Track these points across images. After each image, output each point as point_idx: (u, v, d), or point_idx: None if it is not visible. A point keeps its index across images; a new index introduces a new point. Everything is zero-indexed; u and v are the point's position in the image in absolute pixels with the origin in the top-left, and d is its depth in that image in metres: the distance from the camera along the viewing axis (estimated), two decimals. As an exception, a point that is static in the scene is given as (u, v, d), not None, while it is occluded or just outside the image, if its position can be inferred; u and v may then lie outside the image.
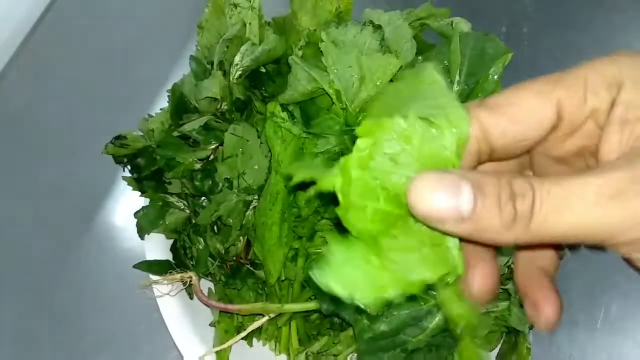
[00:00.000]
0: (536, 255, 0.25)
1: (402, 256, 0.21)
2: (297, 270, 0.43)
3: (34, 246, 0.57)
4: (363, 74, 0.40)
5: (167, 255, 0.47)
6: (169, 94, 0.46)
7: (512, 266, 0.42)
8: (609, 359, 0.52)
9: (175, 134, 0.44)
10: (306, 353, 0.44)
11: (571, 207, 0.19)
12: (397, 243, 0.21)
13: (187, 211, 0.46)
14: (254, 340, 0.47)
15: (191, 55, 0.46)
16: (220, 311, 0.45)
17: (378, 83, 0.40)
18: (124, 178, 0.47)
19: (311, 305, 0.43)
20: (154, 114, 0.47)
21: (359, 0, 0.48)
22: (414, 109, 0.21)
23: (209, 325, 0.46)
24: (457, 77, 0.41)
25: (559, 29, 0.68)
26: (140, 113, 0.48)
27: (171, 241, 0.47)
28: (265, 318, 0.44)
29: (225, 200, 0.43)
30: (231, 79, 0.44)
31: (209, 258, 0.45)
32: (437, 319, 0.38)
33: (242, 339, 0.45)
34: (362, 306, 0.21)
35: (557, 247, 0.26)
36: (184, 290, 0.46)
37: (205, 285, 0.47)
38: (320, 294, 0.41)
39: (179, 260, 0.46)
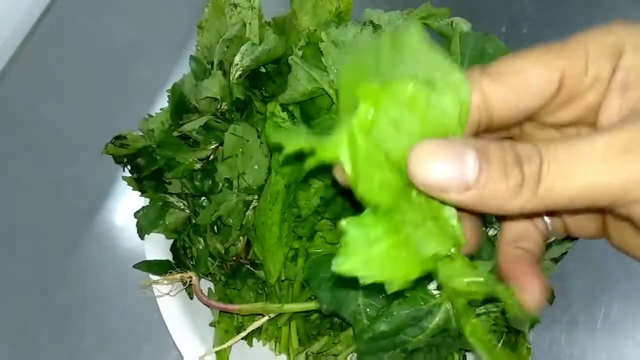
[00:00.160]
0: (521, 237, 0.25)
1: (414, 231, 0.20)
2: (297, 270, 0.43)
3: (34, 246, 0.57)
4: (363, 74, 0.40)
5: (167, 255, 0.47)
6: (169, 94, 0.46)
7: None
8: (609, 359, 0.52)
9: (175, 134, 0.44)
10: (306, 353, 0.44)
11: (580, 167, 0.18)
12: (406, 217, 0.20)
13: (187, 211, 0.46)
14: (254, 340, 0.47)
15: (191, 55, 0.46)
16: (220, 311, 0.45)
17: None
18: (124, 178, 0.47)
19: (311, 305, 0.43)
20: (154, 114, 0.47)
21: (359, 0, 0.48)
22: (404, 73, 0.20)
23: (209, 325, 0.46)
24: (457, 77, 0.41)
25: (558, 29, 0.68)
26: (140, 113, 0.48)
27: (171, 241, 0.47)
28: (265, 318, 0.44)
29: (225, 200, 0.43)
30: (231, 79, 0.44)
31: (209, 258, 0.45)
32: (437, 319, 0.38)
33: (242, 339, 0.45)
34: (386, 287, 0.20)
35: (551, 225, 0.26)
36: (184, 290, 0.46)
37: (205, 285, 0.47)
38: (319, 294, 0.41)
39: (179, 260, 0.46)
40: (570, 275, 0.55)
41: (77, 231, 0.58)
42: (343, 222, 0.20)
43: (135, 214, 0.46)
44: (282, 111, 0.42)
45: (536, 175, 0.18)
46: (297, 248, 0.43)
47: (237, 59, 0.44)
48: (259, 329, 0.45)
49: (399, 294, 0.37)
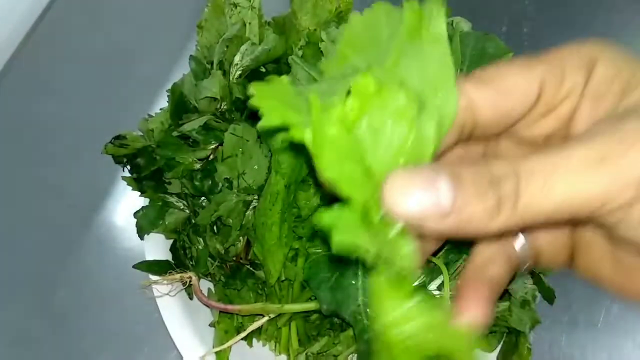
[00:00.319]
0: (489, 262, 0.25)
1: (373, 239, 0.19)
2: (297, 270, 0.43)
3: (34, 246, 0.57)
4: (363, 73, 0.40)
5: (167, 256, 0.47)
6: (168, 93, 0.46)
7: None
8: (610, 359, 0.52)
9: (175, 133, 0.44)
10: (306, 353, 0.44)
11: (558, 180, 0.18)
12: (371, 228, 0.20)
13: (187, 211, 0.46)
14: (254, 340, 0.47)
15: (191, 55, 0.46)
16: (220, 311, 0.45)
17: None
18: (124, 178, 0.47)
19: (311, 305, 0.43)
20: (153, 114, 0.47)
21: (358, 1, 0.48)
22: (405, 69, 0.20)
23: (209, 325, 0.46)
24: (458, 77, 0.41)
25: (559, 28, 0.68)
26: (140, 113, 0.48)
27: (171, 241, 0.47)
28: (265, 318, 0.44)
29: (225, 200, 0.43)
30: (231, 79, 0.44)
31: (209, 258, 0.45)
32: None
33: (242, 339, 0.45)
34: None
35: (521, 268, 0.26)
36: (184, 291, 0.46)
37: (205, 285, 0.47)
38: (320, 294, 0.41)
39: (179, 261, 0.46)
40: (571, 276, 0.55)
41: (77, 231, 0.58)
42: (315, 216, 0.19)
43: (135, 214, 0.46)
44: (282, 111, 0.42)
45: (514, 193, 0.18)
46: (297, 248, 0.43)
47: (237, 58, 0.44)
48: (259, 329, 0.45)
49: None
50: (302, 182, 0.41)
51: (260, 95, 0.19)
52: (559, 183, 0.18)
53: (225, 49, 0.45)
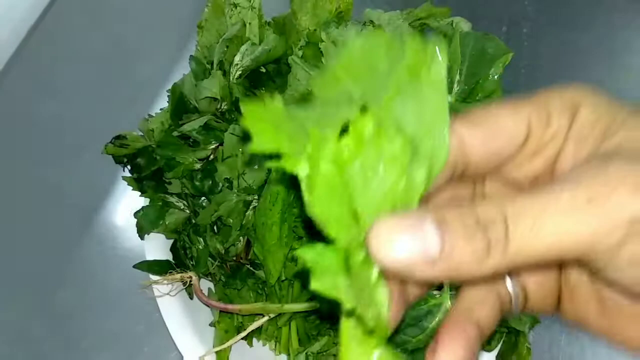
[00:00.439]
0: (478, 303, 0.24)
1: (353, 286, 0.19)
2: (298, 270, 0.43)
3: (34, 246, 0.57)
4: (363, 74, 0.40)
5: (167, 255, 0.47)
6: (168, 94, 0.46)
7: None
8: (609, 358, 0.52)
9: (175, 134, 0.44)
10: (306, 353, 0.44)
11: (547, 221, 0.18)
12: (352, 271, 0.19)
13: (187, 211, 0.46)
14: (254, 340, 0.47)
15: (191, 55, 0.46)
16: (220, 311, 0.45)
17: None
18: (124, 178, 0.47)
19: (311, 305, 0.43)
20: (153, 114, 0.47)
21: (358, 1, 0.48)
22: (401, 111, 0.20)
23: (209, 325, 0.46)
24: (457, 77, 0.41)
25: (559, 29, 0.68)
26: (140, 113, 0.48)
27: (171, 241, 0.47)
28: (265, 318, 0.44)
29: (225, 200, 0.43)
30: (231, 79, 0.45)
31: (209, 258, 0.45)
32: (437, 318, 0.38)
33: (242, 339, 0.45)
34: None
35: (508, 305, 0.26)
36: (184, 290, 0.46)
37: (205, 285, 0.47)
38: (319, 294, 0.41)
39: (179, 260, 0.46)
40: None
41: (77, 231, 0.58)
42: (298, 251, 0.19)
43: (135, 214, 0.46)
44: (282, 111, 0.42)
45: (503, 236, 0.18)
46: (298, 248, 0.43)
47: (237, 58, 0.45)
48: (259, 329, 0.45)
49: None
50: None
51: (250, 116, 0.19)
52: (548, 225, 0.18)
53: (226, 49, 0.45)
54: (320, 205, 0.19)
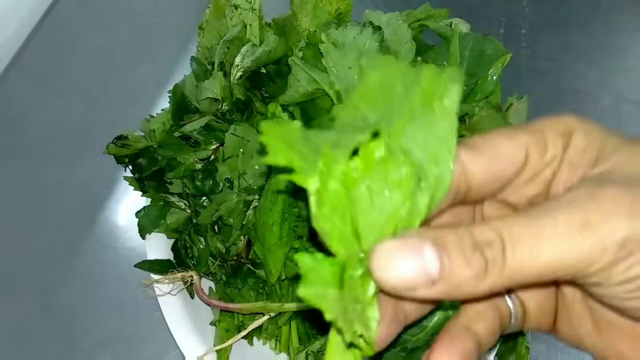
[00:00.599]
0: (478, 317, 0.25)
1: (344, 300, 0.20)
2: (298, 269, 0.43)
3: (36, 246, 0.58)
4: (363, 75, 0.40)
5: (168, 255, 0.47)
6: (170, 94, 0.46)
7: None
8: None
9: (176, 134, 0.45)
10: (306, 352, 0.44)
11: (544, 243, 0.19)
12: (346, 286, 0.20)
13: (188, 211, 0.46)
14: (255, 339, 0.47)
15: (192, 56, 0.46)
16: (221, 310, 0.45)
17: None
18: (126, 178, 0.47)
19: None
20: (155, 115, 0.47)
21: (358, 2, 0.49)
22: (411, 137, 0.21)
23: (210, 324, 0.46)
24: (456, 78, 0.42)
25: (557, 29, 0.68)
26: (142, 113, 0.48)
27: (172, 241, 0.47)
28: (266, 317, 0.44)
29: (226, 200, 0.43)
30: (232, 80, 0.45)
31: (210, 257, 0.45)
32: (436, 317, 0.38)
33: (242, 337, 0.45)
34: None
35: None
36: (185, 290, 0.46)
37: (206, 284, 0.47)
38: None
39: (180, 260, 0.46)
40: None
41: (79, 231, 0.58)
42: (297, 255, 0.20)
43: (137, 214, 0.46)
44: (283, 112, 0.42)
45: (500, 257, 0.19)
46: (298, 248, 0.43)
47: (237, 59, 0.45)
48: (260, 328, 0.45)
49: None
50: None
51: (268, 133, 0.20)
52: (545, 247, 0.19)
53: (226, 50, 0.45)
54: (325, 220, 0.20)
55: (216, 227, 0.45)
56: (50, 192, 0.60)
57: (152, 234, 0.47)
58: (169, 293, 0.45)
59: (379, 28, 0.42)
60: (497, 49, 0.42)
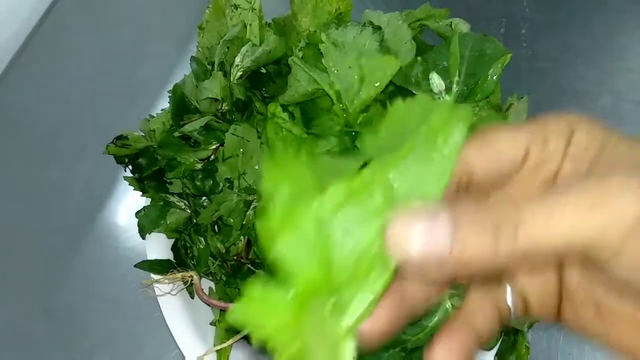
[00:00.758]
0: (478, 310, 0.26)
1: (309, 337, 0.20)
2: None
3: (35, 246, 0.58)
4: (363, 75, 0.40)
5: (168, 255, 0.47)
6: (169, 94, 0.46)
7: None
8: (608, 357, 0.52)
9: (176, 134, 0.45)
10: (306, 352, 0.44)
11: (558, 217, 0.20)
12: (309, 320, 0.20)
13: (188, 211, 0.46)
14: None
15: (192, 56, 0.46)
16: (221, 310, 0.45)
17: (377, 84, 0.41)
18: (125, 178, 0.47)
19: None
20: (155, 115, 0.47)
21: (357, 2, 0.49)
22: (405, 171, 0.21)
23: (210, 324, 0.46)
24: (457, 78, 0.42)
25: (557, 29, 0.68)
26: (142, 113, 0.48)
27: (172, 241, 0.47)
28: (266, 317, 0.44)
29: (226, 200, 0.43)
30: (232, 80, 0.45)
31: (210, 257, 0.45)
32: (436, 318, 0.38)
33: (242, 337, 0.45)
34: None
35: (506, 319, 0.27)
36: (185, 290, 0.46)
37: (206, 284, 0.47)
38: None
39: (180, 260, 0.46)
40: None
41: (79, 231, 0.58)
42: (249, 282, 0.20)
43: (137, 214, 0.46)
44: (283, 112, 0.42)
45: (515, 229, 0.20)
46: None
47: (237, 59, 0.45)
48: (260, 328, 0.45)
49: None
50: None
51: (271, 178, 0.20)
52: (559, 221, 0.20)
53: (226, 50, 0.45)
54: (289, 246, 0.20)
55: (216, 227, 0.45)
56: (50, 192, 0.60)
57: (152, 234, 0.47)
58: (169, 293, 0.45)
59: (379, 28, 0.42)
60: (497, 48, 0.42)
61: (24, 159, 0.62)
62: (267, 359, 0.47)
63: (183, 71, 0.48)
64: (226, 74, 0.45)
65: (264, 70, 0.47)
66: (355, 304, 0.20)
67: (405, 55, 0.43)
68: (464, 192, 0.24)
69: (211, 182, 0.43)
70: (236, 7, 0.47)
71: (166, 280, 0.45)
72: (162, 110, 0.47)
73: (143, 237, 0.47)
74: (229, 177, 0.43)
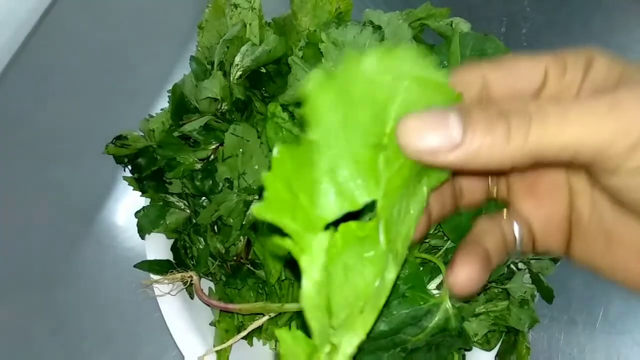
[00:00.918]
0: (485, 233, 0.26)
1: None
2: (298, 269, 0.43)
3: (35, 246, 0.58)
4: (363, 74, 0.40)
5: (168, 255, 0.47)
6: (169, 94, 0.46)
7: (510, 265, 0.42)
8: (608, 358, 0.52)
9: (176, 134, 0.45)
10: (306, 352, 0.44)
11: (570, 119, 0.20)
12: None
13: (188, 211, 0.46)
14: (254, 339, 0.47)
15: (191, 56, 0.46)
16: (221, 310, 0.45)
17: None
18: (125, 178, 0.47)
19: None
20: (154, 114, 0.47)
21: (358, 1, 0.48)
22: (399, 209, 0.21)
23: (210, 324, 0.46)
24: (457, 78, 0.42)
25: (557, 29, 0.68)
26: (141, 113, 0.48)
27: (172, 241, 0.47)
28: (266, 317, 0.44)
29: (225, 200, 0.43)
30: (231, 79, 0.45)
31: (210, 258, 0.45)
32: (436, 318, 0.38)
33: (242, 338, 0.45)
34: None
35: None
36: (185, 290, 0.46)
37: (206, 284, 0.47)
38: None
39: (180, 260, 0.46)
40: (570, 275, 0.55)
41: (78, 231, 0.58)
42: (278, 331, 0.21)
43: (136, 214, 0.46)
44: (283, 111, 0.42)
45: (526, 125, 0.20)
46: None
47: (237, 59, 0.45)
48: (259, 328, 0.45)
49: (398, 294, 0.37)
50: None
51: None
52: (571, 123, 0.20)
53: (226, 49, 0.45)
54: (309, 297, 0.20)
55: (216, 228, 0.45)
56: (49, 192, 0.60)
57: (152, 234, 0.47)
58: (168, 293, 0.45)
59: (379, 27, 0.42)
60: (498, 48, 0.42)
61: (23, 159, 0.62)
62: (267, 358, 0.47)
63: (182, 71, 0.48)
64: (226, 74, 0.45)
65: (263, 70, 0.47)
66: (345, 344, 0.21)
67: (405, 55, 0.43)
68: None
69: (211, 182, 0.43)
70: (236, 6, 0.47)
71: (166, 281, 0.45)
72: (161, 110, 0.47)
73: (142, 237, 0.47)
74: (229, 177, 0.43)
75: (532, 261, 0.43)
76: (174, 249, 0.47)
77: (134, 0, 0.74)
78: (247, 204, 0.44)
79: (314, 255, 0.20)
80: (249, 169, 0.43)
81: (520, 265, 0.43)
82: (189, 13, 0.70)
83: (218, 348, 0.44)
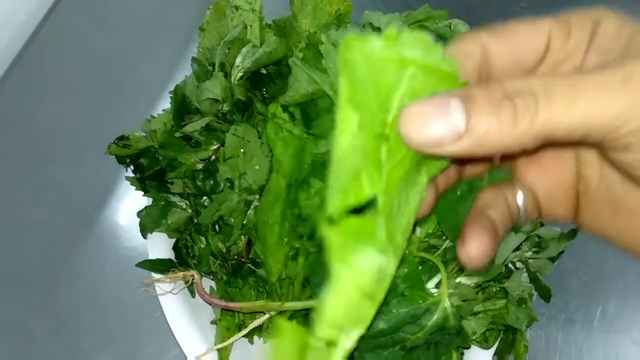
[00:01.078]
0: (490, 205, 0.26)
1: None
2: (298, 268, 0.43)
3: (36, 246, 0.58)
4: (363, 75, 0.41)
5: (170, 254, 0.47)
6: (171, 95, 0.46)
7: (508, 264, 0.43)
8: (605, 357, 0.53)
9: (177, 134, 0.45)
10: (306, 351, 0.44)
11: (580, 97, 0.19)
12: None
13: (189, 211, 0.46)
14: (255, 338, 0.47)
15: (193, 57, 0.47)
16: (222, 309, 0.45)
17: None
18: (127, 178, 0.47)
19: (312, 303, 0.43)
20: (156, 115, 0.47)
21: (357, 3, 0.49)
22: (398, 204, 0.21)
23: (211, 323, 0.46)
24: (455, 79, 0.42)
25: (556, 31, 0.68)
26: (143, 114, 0.49)
27: (173, 240, 0.48)
28: (267, 316, 0.44)
29: (226, 200, 0.43)
30: (232, 81, 0.45)
31: (211, 257, 0.46)
32: (435, 317, 0.38)
33: (243, 336, 0.45)
34: None
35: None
36: (186, 289, 0.46)
37: (207, 283, 0.47)
38: (320, 292, 0.41)
39: (181, 259, 0.46)
40: (567, 274, 0.55)
41: (80, 230, 0.58)
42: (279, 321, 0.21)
43: (138, 214, 0.46)
44: (283, 112, 0.42)
45: (532, 105, 0.19)
46: (298, 247, 0.43)
47: (238, 60, 0.45)
48: (260, 326, 0.45)
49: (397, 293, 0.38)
50: (302, 182, 0.42)
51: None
52: (581, 100, 0.18)
53: (227, 51, 0.45)
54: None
55: (217, 227, 0.45)
56: (51, 192, 0.60)
57: (154, 233, 0.47)
58: (170, 292, 0.45)
59: (379, 29, 0.43)
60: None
61: (25, 159, 0.62)
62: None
63: (184, 72, 0.48)
64: (227, 75, 0.45)
65: (264, 71, 0.47)
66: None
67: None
68: None
69: (212, 182, 0.44)
70: (237, 8, 0.47)
71: (167, 280, 0.45)
72: (163, 110, 0.47)
73: (144, 237, 0.47)
74: (230, 177, 0.43)
75: (530, 260, 0.43)
76: (175, 248, 0.47)
77: (135, 2, 0.74)
78: (248, 204, 0.44)
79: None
80: (249, 169, 0.43)
81: (518, 264, 0.43)
82: (190, 14, 0.70)
83: (219, 346, 0.44)
